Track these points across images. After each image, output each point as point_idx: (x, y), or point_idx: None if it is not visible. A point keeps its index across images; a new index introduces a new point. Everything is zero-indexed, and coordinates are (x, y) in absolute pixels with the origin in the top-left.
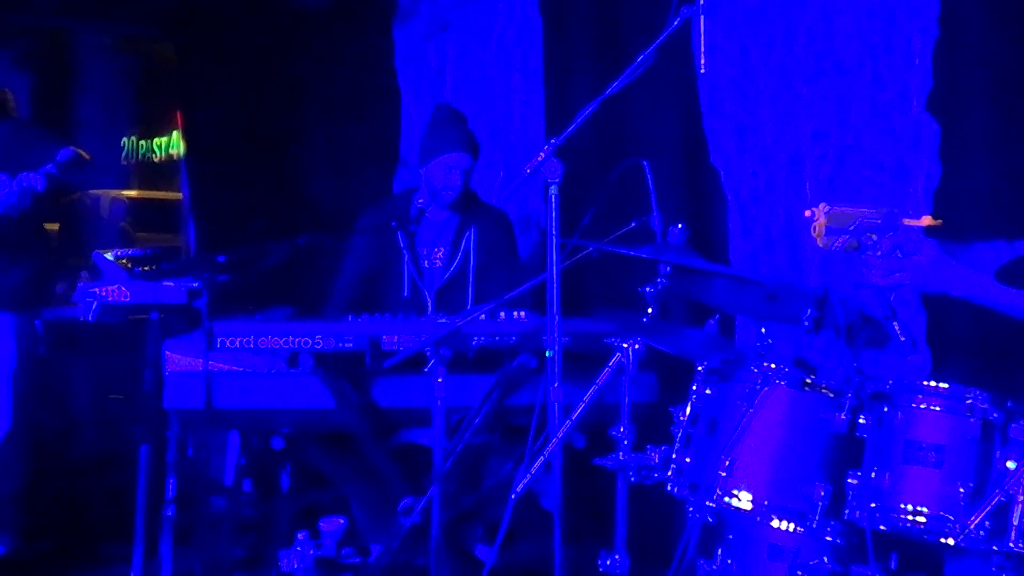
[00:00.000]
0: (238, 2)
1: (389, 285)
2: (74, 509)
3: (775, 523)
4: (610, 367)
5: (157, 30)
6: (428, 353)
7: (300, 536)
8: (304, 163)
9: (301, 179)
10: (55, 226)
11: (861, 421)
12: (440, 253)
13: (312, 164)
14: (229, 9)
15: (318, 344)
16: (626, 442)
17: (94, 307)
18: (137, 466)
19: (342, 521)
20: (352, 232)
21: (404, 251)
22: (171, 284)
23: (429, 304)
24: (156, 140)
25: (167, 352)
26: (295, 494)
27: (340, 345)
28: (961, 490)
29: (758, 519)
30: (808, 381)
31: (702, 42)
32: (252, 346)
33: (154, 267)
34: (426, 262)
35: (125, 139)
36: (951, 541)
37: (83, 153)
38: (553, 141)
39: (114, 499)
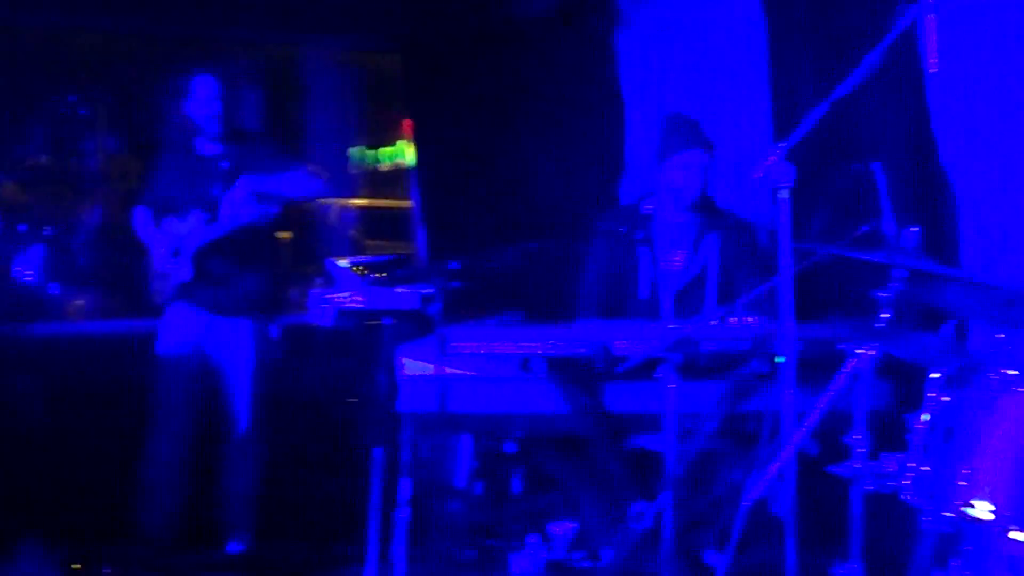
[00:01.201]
0: (462, 13)
1: (627, 288)
2: (308, 510)
3: (1015, 534)
4: (845, 373)
5: (383, 43)
6: (659, 359)
7: (530, 540)
8: (530, 170)
9: (527, 186)
10: (288, 235)
11: None
12: (679, 256)
13: (537, 171)
14: (454, 20)
15: (550, 349)
16: (861, 450)
17: (331, 313)
18: (370, 468)
19: (573, 525)
20: (588, 236)
21: (642, 254)
22: (405, 290)
23: (667, 307)
24: (383, 150)
25: (401, 357)
26: (526, 498)
27: (572, 350)
28: None
29: (997, 530)
30: None
31: (932, 41)
32: (484, 351)
33: (387, 274)
34: (664, 265)
35: (353, 149)
36: None
37: (316, 169)
38: (783, 145)
39: (347, 501)
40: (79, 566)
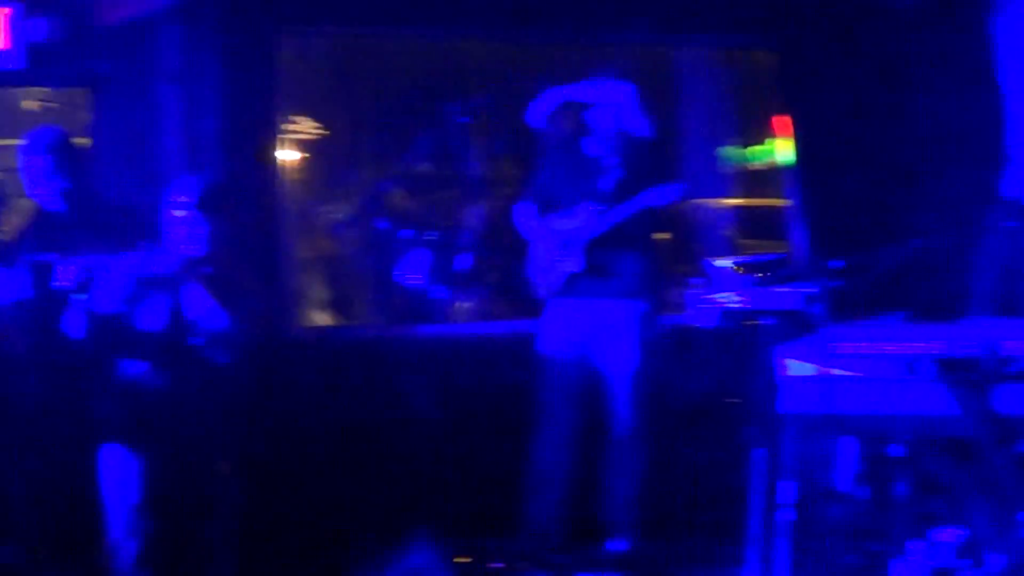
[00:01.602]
0: (840, 6)
1: (1018, 285)
2: (688, 510)
3: None
4: None
5: (759, 40)
6: None
7: (913, 546)
8: (911, 165)
9: (908, 181)
10: (665, 236)
11: None
12: None
13: (918, 166)
14: (831, 14)
15: (938, 349)
16: None
17: (712, 313)
18: (752, 470)
19: (960, 532)
20: (975, 232)
21: None
22: (786, 290)
23: None
24: (754, 148)
25: (782, 357)
26: (911, 502)
27: (961, 351)
28: None
29: None
30: None
31: None
32: (869, 351)
33: (768, 273)
34: None
35: (726, 149)
36: None
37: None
38: None
39: (728, 502)
40: (467, 559)
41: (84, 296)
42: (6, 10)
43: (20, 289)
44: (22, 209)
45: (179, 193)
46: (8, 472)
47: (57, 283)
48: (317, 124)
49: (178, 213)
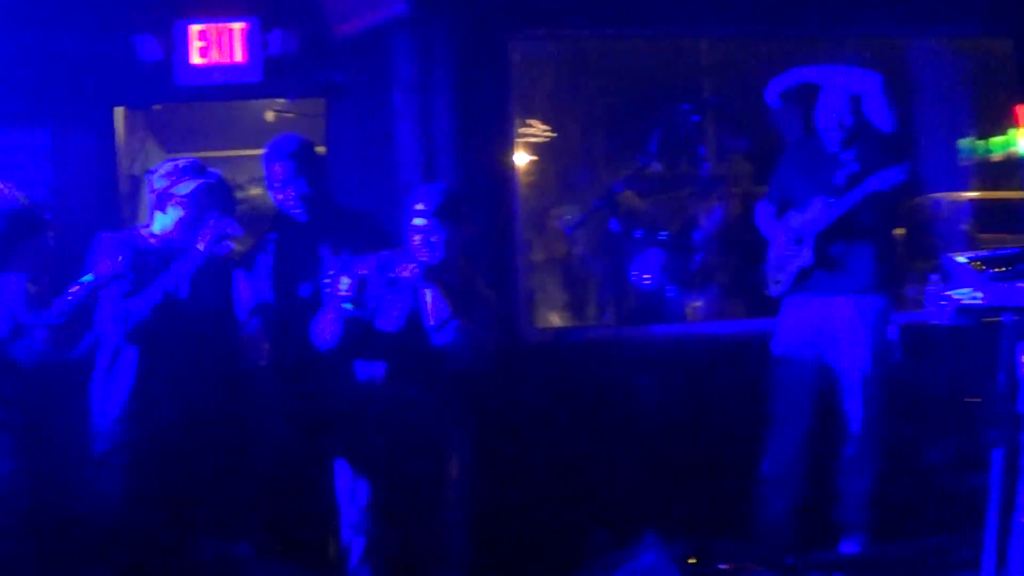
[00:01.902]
0: None
1: None
2: (922, 511)
3: None
4: None
5: (995, 28)
6: None
7: None
8: None
9: None
10: (901, 231)
11: None
12: None
13: None
14: None
15: None
16: None
17: (949, 310)
18: (990, 470)
19: None
20: None
21: None
22: None
23: None
24: (993, 140)
25: (1022, 355)
26: None
27: None
28: None
29: None
30: None
31: None
32: None
33: (1008, 268)
34: None
35: (963, 140)
36: None
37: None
38: None
39: (964, 503)
40: (695, 560)
41: (350, 304)
42: (243, 25)
43: (262, 294)
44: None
45: (417, 201)
46: (242, 471)
47: (329, 291)
48: (549, 127)
49: (417, 221)
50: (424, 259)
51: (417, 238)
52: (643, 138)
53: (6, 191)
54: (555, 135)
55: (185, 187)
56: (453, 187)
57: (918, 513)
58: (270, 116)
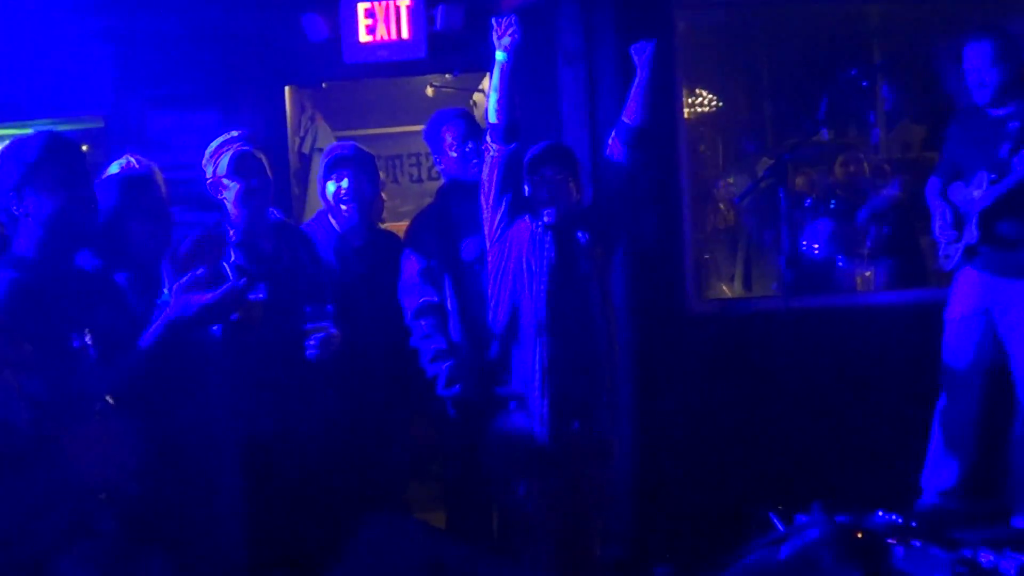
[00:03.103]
0: None
1: None
2: None
3: None
4: None
5: None
6: None
7: None
8: None
9: None
10: None
11: None
12: None
13: None
14: None
15: None
16: None
17: None
18: None
19: None
20: None
21: None
22: None
23: None
24: None
25: None
26: None
27: None
28: None
29: None
30: None
31: None
32: None
33: None
34: None
35: None
36: None
37: None
38: None
39: None
40: (861, 535)
41: None
42: (408, 2)
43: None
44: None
45: (536, 156)
46: None
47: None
48: (715, 95)
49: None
50: (551, 211)
51: (543, 192)
52: (812, 105)
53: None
54: (721, 104)
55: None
56: (560, 143)
57: None
58: (429, 92)
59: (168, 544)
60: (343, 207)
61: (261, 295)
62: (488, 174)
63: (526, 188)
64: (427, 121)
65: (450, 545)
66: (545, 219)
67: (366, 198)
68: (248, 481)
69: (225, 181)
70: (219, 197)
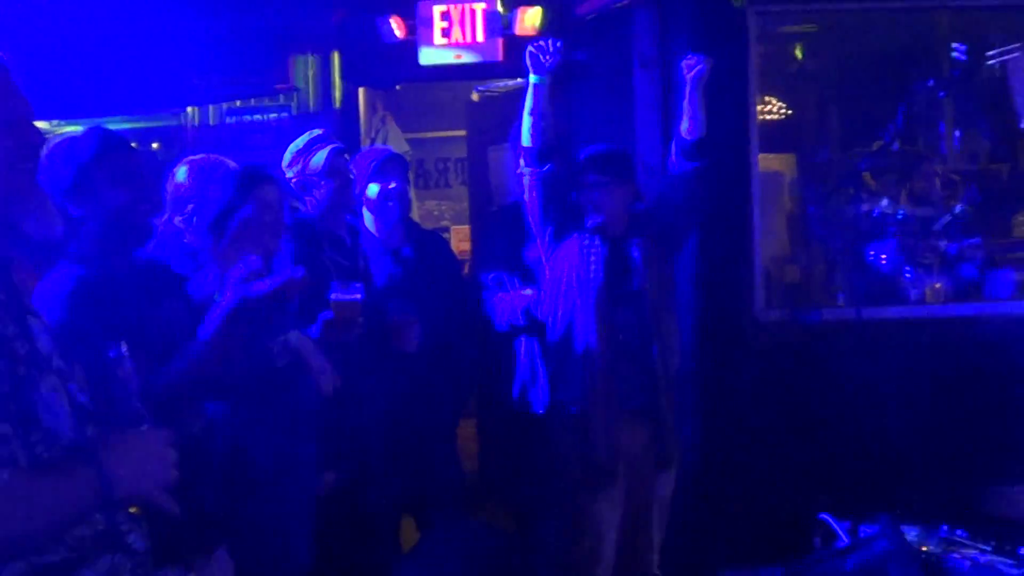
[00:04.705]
0: None
1: None
2: None
3: None
4: None
5: None
6: None
7: None
8: None
9: None
10: None
11: None
12: None
13: None
14: None
15: None
16: None
17: None
18: None
19: None
20: None
21: None
22: None
23: None
24: None
25: None
26: None
27: None
28: None
29: None
30: None
31: None
32: None
33: None
34: None
35: None
36: None
37: None
38: None
39: None
40: (927, 548)
41: None
42: (484, 5)
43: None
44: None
45: (591, 160)
46: None
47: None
48: (787, 103)
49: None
50: (597, 217)
51: (591, 200)
52: (886, 115)
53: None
54: (793, 111)
55: None
56: (617, 147)
57: None
58: (475, 97)
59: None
60: (389, 204)
61: (359, 296)
62: (529, 196)
63: (574, 195)
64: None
65: (514, 548)
66: (589, 224)
67: (408, 199)
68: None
69: (316, 179)
70: (305, 196)
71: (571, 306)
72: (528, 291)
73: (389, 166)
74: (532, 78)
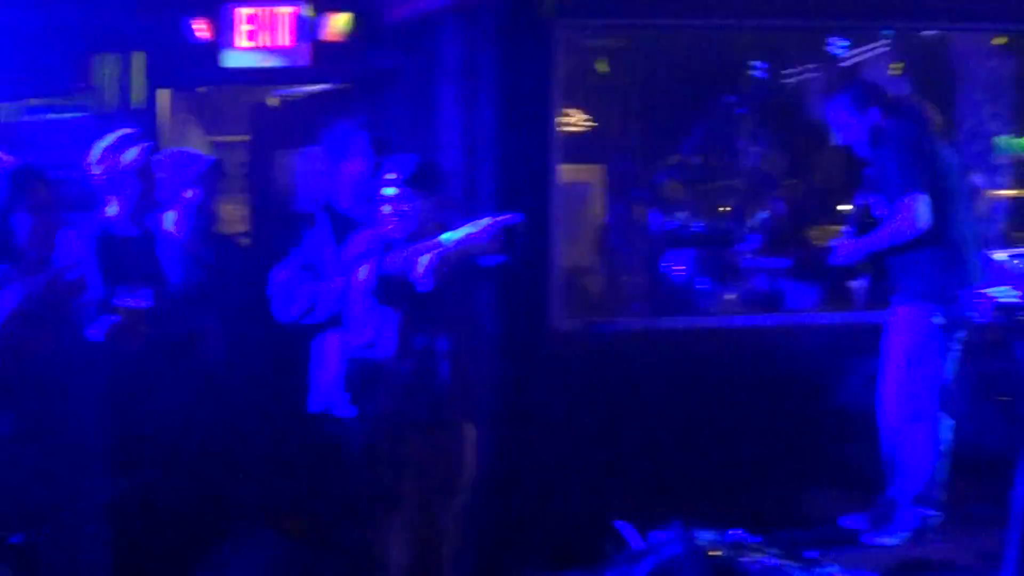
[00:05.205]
0: None
1: None
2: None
3: None
4: None
5: None
6: None
7: None
8: None
9: None
10: None
11: None
12: None
13: None
14: None
15: None
16: None
17: (987, 308)
18: (1014, 469)
19: None
20: None
21: None
22: None
23: None
24: None
25: None
26: None
27: None
28: None
29: None
30: None
31: None
32: None
33: None
34: None
35: (1000, 138)
36: None
37: None
38: None
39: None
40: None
41: None
42: (292, 9)
43: None
44: None
45: (388, 171)
46: None
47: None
48: (591, 116)
49: (387, 191)
50: (394, 230)
51: (387, 208)
52: (686, 130)
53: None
54: (600, 124)
55: None
56: (426, 157)
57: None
58: (275, 101)
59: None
60: (200, 210)
61: (145, 303)
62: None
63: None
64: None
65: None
66: (394, 234)
67: (215, 206)
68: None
69: (124, 178)
70: (110, 195)
71: (368, 314)
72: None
73: (209, 172)
74: None
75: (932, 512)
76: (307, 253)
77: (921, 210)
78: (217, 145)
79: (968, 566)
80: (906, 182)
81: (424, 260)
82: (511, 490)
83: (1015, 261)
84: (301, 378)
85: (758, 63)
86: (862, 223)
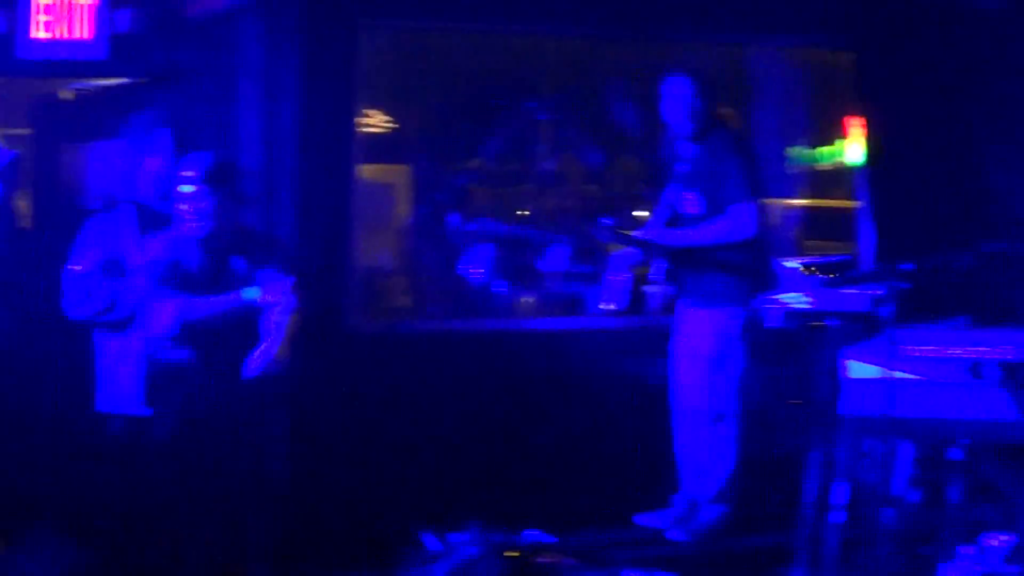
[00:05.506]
0: (916, 7)
1: None
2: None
3: None
4: None
5: (833, 39)
6: None
7: (963, 551)
8: (985, 170)
9: (981, 187)
10: None
11: None
12: None
13: (992, 172)
14: (907, 15)
15: (1005, 354)
16: None
17: (778, 314)
18: (806, 470)
19: (1010, 538)
20: None
21: None
22: (854, 292)
23: None
24: (823, 149)
25: (845, 359)
26: (963, 507)
27: None
28: None
29: None
30: None
31: None
32: (934, 355)
33: (837, 275)
34: None
35: (792, 148)
36: None
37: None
38: None
39: (780, 500)
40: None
41: None
42: (91, 1)
43: None
44: None
45: (185, 168)
46: None
47: None
48: (393, 118)
49: (184, 188)
50: (192, 228)
51: (185, 206)
52: (488, 134)
53: None
54: (400, 126)
55: None
56: (224, 155)
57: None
58: (68, 95)
59: None
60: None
61: None
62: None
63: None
64: None
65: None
66: (189, 232)
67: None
68: None
69: None
70: None
71: (158, 311)
72: (125, 292)
73: (8, 167)
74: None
75: (729, 510)
76: (109, 249)
77: (754, 217)
78: (6, 138)
79: (763, 563)
80: (743, 188)
81: None
82: (307, 494)
83: (808, 268)
84: (88, 376)
85: (563, 70)
86: (669, 217)
